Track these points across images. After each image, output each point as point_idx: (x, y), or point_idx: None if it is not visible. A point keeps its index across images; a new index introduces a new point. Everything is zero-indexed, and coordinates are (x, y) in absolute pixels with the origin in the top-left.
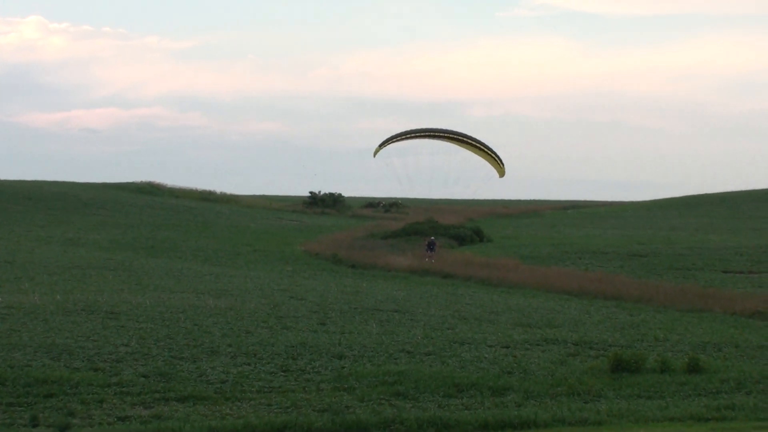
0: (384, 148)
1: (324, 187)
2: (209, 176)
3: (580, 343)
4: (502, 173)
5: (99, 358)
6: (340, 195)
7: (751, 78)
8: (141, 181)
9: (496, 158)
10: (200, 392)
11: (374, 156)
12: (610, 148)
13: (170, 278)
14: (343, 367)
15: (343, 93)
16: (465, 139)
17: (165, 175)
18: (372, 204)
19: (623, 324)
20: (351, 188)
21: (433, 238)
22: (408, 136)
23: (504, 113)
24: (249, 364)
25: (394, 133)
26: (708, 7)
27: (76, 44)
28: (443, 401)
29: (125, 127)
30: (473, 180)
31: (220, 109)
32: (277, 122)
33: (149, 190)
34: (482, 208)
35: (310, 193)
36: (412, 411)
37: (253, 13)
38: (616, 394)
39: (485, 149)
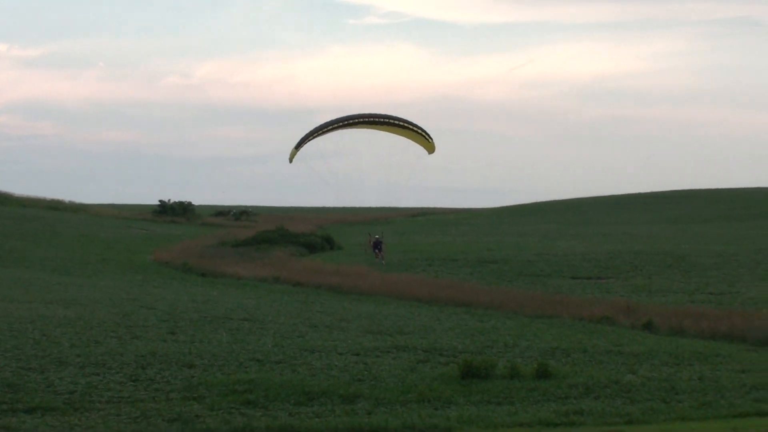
0: (300, 151)
1: (174, 196)
2: (59, 185)
3: (431, 349)
4: (431, 149)
5: None
6: (190, 203)
7: (600, 85)
8: None
9: (423, 134)
10: (49, 403)
11: (290, 161)
12: (460, 155)
13: (18, 288)
14: (193, 377)
15: (193, 100)
16: (385, 120)
17: (14, 184)
18: (222, 212)
19: (473, 330)
20: (202, 196)
21: (378, 236)
22: (323, 131)
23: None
24: (98, 374)
25: (305, 134)
26: (558, 16)
27: None
28: (294, 409)
29: None
30: (404, 166)
31: (69, 118)
32: (127, 130)
33: None
34: (333, 216)
35: (160, 201)
36: (263, 419)
37: (104, 20)
38: (466, 400)
39: (410, 126)
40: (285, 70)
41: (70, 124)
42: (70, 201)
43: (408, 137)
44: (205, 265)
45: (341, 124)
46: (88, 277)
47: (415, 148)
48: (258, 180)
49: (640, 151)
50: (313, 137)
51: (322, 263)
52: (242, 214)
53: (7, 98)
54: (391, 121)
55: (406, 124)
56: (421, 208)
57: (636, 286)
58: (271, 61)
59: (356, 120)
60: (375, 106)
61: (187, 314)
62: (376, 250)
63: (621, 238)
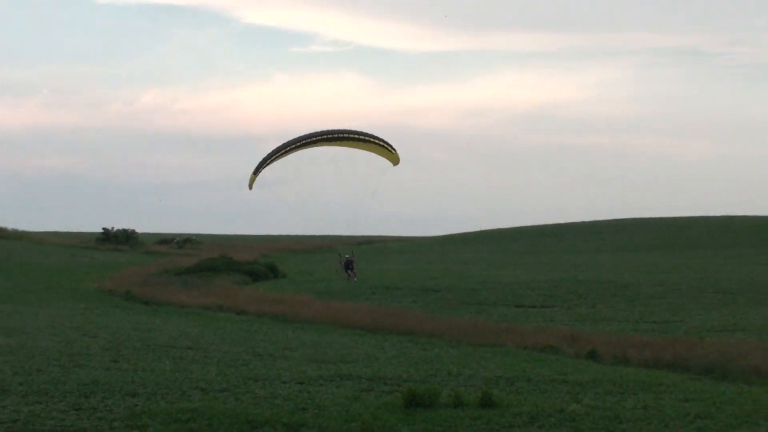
0: (260, 175)
1: (117, 223)
2: (0, 212)
3: (374, 378)
4: (396, 160)
5: None
6: (133, 231)
7: (542, 113)
8: None
9: (386, 146)
10: None
11: (250, 188)
12: (403, 182)
13: None
14: (136, 405)
15: (137, 127)
16: (345, 135)
17: None
18: (166, 240)
19: (417, 359)
20: (144, 224)
21: (348, 256)
22: (281, 153)
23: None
24: (41, 403)
25: (263, 156)
26: (499, 44)
27: None
28: None
29: None
30: (370, 180)
31: (12, 144)
32: (70, 157)
33: None
34: (276, 244)
35: (103, 229)
36: None
37: (47, 47)
38: (410, 429)
39: (371, 139)
40: (229, 98)
41: (12, 151)
42: (12, 228)
43: (371, 150)
44: (148, 293)
45: (300, 143)
46: (31, 304)
47: (379, 162)
48: (201, 207)
49: (582, 179)
50: (272, 160)
51: (266, 291)
52: (186, 242)
53: None
54: (352, 135)
55: (367, 138)
56: (365, 237)
57: (580, 315)
58: (214, 89)
59: (315, 138)
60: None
61: (131, 342)
62: (349, 271)
63: (565, 266)
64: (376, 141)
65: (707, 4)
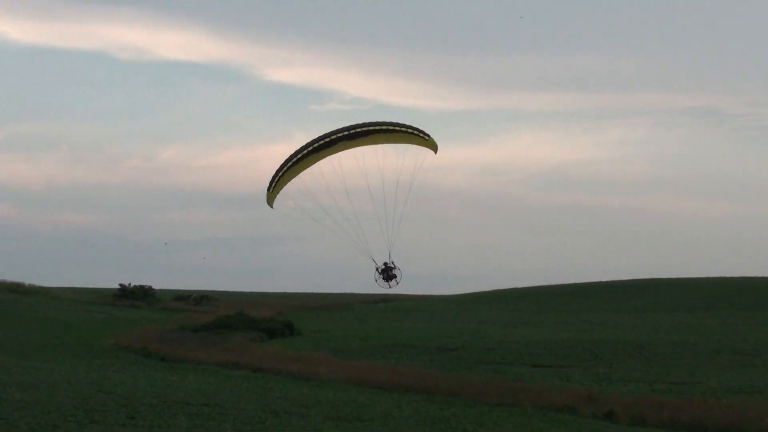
0: (281, 191)
1: (134, 280)
2: (18, 268)
3: None
4: (434, 147)
5: None
6: (150, 287)
7: (559, 173)
8: None
9: (418, 132)
10: None
11: (271, 205)
12: (420, 240)
13: None
14: None
15: (156, 184)
16: (367, 129)
17: None
18: (182, 297)
19: (433, 418)
20: (161, 281)
21: (386, 261)
22: (298, 157)
23: (314, 205)
24: None
25: (279, 169)
26: (517, 104)
27: None
28: None
29: None
30: (406, 175)
31: (30, 200)
32: (88, 213)
33: None
34: (293, 302)
35: (120, 285)
36: None
37: (67, 104)
38: None
39: (399, 128)
40: (248, 156)
41: (29, 206)
42: (29, 284)
43: (402, 142)
44: (165, 350)
45: (317, 147)
46: (47, 360)
47: (417, 150)
48: (219, 264)
49: (599, 239)
50: (285, 172)
51: (282, 349)
52: (202, 298)
53: None
54: (376, 128)
55: (394, 128)
56: (382, 295)
57: (597, 375)
58: (234, 146)
59: (335, 138)
60: (335, 191)
61: (147, 399)
62: (390, 281)
63: (581, 326)
64: (406, 130)
65: (726, 64)
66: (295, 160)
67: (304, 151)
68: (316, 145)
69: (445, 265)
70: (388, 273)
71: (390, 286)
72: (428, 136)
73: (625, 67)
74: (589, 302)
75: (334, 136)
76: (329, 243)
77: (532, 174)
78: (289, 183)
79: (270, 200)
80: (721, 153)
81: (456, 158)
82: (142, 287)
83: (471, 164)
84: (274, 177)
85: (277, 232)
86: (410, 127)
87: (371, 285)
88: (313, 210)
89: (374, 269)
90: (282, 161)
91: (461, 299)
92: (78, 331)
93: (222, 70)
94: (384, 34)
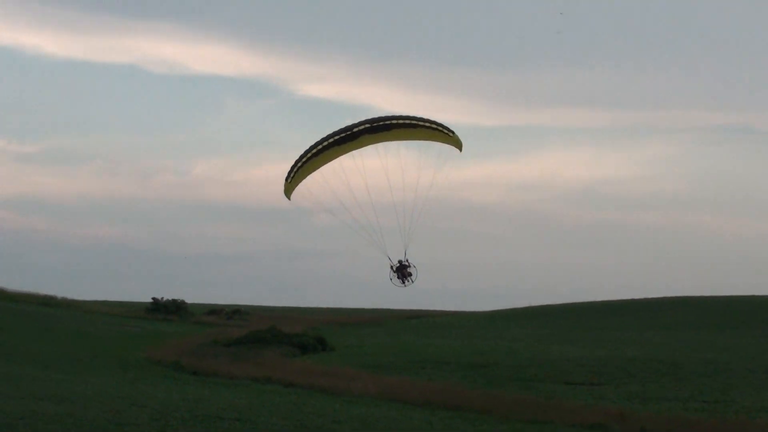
0: (299, 183)
1: (167, 293)
2: (51, 281)
3: None
4: (458, 144)
5: None
6: (183, 301)
7: (594, 189)
8: None
9: (442, 129)
10: None
11: (289, 197)
12: (454, 257)
13: (8, 384)
14: None
15: (188, 198)
16: (390, 123)
17: (6, 279)
18: (215, 311)
19: None
20: (194, 295)
21: (401, 259)
22: (318, 149)
23: (347, 221)
24: None
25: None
26: (552, 120)
27: None
28: None
29: None
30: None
31: (63, 213)
32: (121, 227)
33: None
34: (325, 317)
35: (153, 299)
36: None
37: (101, 118)
38: None
39: (423, 123)
40: (281, 170)
41: (63, 220)
42: (62, 297)
43: (425, 139)
44: (197, 364)
45: (338, 139)
46: (80, 373)
47: (441, 148)
48: (251, 278)
49: (631, 256)
50: (305, 163)
51: (315, 364)
52: (235, 313)
53: (3, 193)
54: (399, 122)
55: (418, 122)
56: (414, 311)
57: (629, 393)
58: (267, 161)
59: (357, 131)
60: (367, 207)
61: (179, 413)
62: (406, 279)
63: (614, 343)
64: (430, 125)
65: (762, 81)
66: (314, 151)
67: (325, 143)
68: (337, 137)
69: (478, 282)
70: (402, 271)
71: (405, 285)
72: (452, 132)
73: (659, 84)
74: (622, 319)
75: (355, 129)
76: (361, 258)
77: (566, 190)
78: (308, 176)
79: (288, 191)
80: (756, 171)
81: (489, 174)
82: (174, 301)
83: (504, 180)
84: (292, 168)
85: (309, 246)
86: (434, 122)
87: (403, 300)
88: (330, 204)
89: (389, 267)
90: (302, 152)
91: (493, 315)
92: (110, 344)
93: (255, 85)
94: (418, 50)
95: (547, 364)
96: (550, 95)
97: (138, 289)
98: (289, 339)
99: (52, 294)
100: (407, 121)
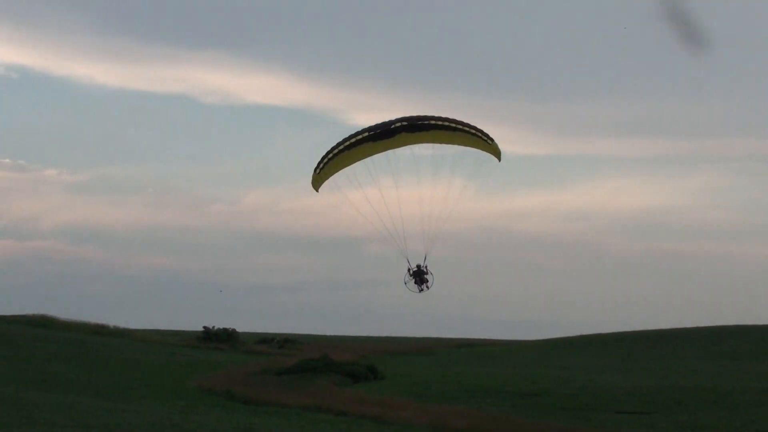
0: (329, 177)
1: (218, 322)
2: (103, 309)
3: None
4: (497, 153)
5: None
6: (234, 330)
7: (642, 219)
8: (33, 314)
9: (481, 135)
10: None
11: (317, 189)
12: (503, 286)
13: (60, 413)
14: None
15: (239, 228)
16: (429, 123)
17: (59, 307)
18: (265, 340)
19: None
20: (245, 324)
21: (419, 264)
22: (352, 142)
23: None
24: None
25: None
26: (600, 150)
27: None
28: None
29: (20, 260)
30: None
31: (115, 243)
32: (172, 256)
33: (41, 323)
34: (376, 345)
35: (204, 328)
36: None
37: (152, 148)
38: None
39: (463, 127)
40: (332, 199)
41: (115, 249)
42: (114, 326)
43: (465, 144)
44: (248, 393)
45: (374, 134)
46: (131, 402)
47: (478, 155)
48: (302, 307)
49: (683, 285)
50: (340, 155)
51: (366, 393)
52: (286, 342)
53: (56, 222)
54: (438, 123)
55: (457, 126)
56: (464, 339)
57: (680, 422)
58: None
59: (395, 127)
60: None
61: None
62: (422, 286)
63: (664, 372)
64: (470, 130)
65: None
66: (347, 144)
67: (359, 137)
68: (372, 132)
69: (529, 311)
70: (420, 277)
71: (420, 290)
72: (492, 140)
73: (710, 113)
74: (673, 348)
75: (392, 126)
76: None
77: (616, 220)
78: (339, 172)
79: (316, 183)
80: None
81: (540, 203)
82: (225, 330)
83: (555, 210)
84: (323, 159)
85: (359, 275)
86: (474, 127)
87: (453, 329)
88: (358, 200)
89: (406, 270)
90: (336, 143)
91: (544, 344)
92: (162, 373)
93: (306, 115)
94: (469, 81)
95: (598, 393)
96: (601, 125)
97: (189, 318)
98: (340, 368)
99: (103, 323)
100: (447, 123)
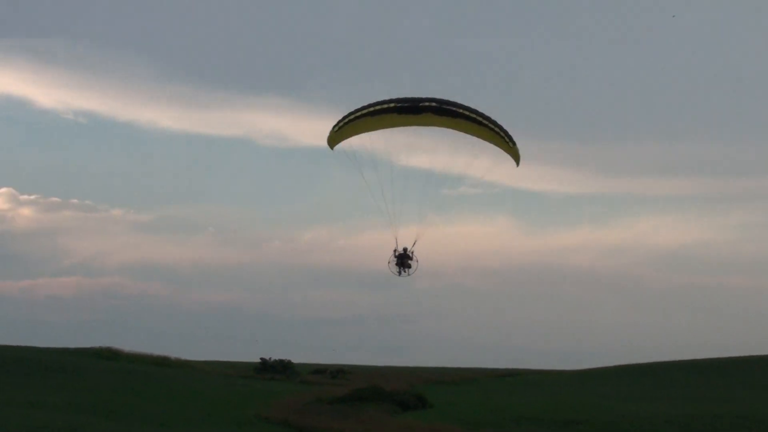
0: (347, 137)
1: (274, 354)
2: (165, 342)
3: None
4: (516, 157)
5: None
6: (289, 361)
7: (680, 254)
8: (100, 347)
9: (503, 135)
10: None
11: (332, 147)
12: (546, 317)
13: None
14: None
15: (295, 264)
16: (455, 110)
17: (124, 340)
18: (319, 370)
19: None
20: (300, 355)
21: (406, 247)
22: (377, 108)
23: (448, 284)
24: None
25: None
26: (640, 189)
27: (45, 215)
28: None
29: (88, 295)
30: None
31: (178, 279)
32: (231, 292)
33: (108, 355)
34: (424, 375)
35: (261, 359)
36: None
37: (213, 189)
38: None
39: (489, 124)
40: (384, 237)
41: (177, 285)
42: (175, 357)
43: (485, 139)
44: (303, 421)
45: (402, 107)
46: (193, 431)
47: (498, 153)
48: (354, 339)
49: (719, 317)
50: (362, 118)
51: (415, 421)
52: (338, 372)
53: (122, 259)
54: (464, 113)
55: (482, 120)
56: (509, 369)
57: None
58: (370, 228)
59: (420, 104)
60: (467, 271)
61: None
62: (403, 269)
63: (701, 401)
64: (494, 128)
65: None
66: (372, 110)
67: (386, 105)
68: (400, 105)
69: (568, 341)
70: (403, 260)
71: (400, 274)
72: (514, 143)
73: (744, 153)
74: (709, 377)
75: (421, 104)
76: (457, 318)
77: (654, 255)
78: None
79: (332, 141)
80: None
81: (581, 240)
82: (281, 361)
83: (595, 245)
84: (344, 118)
85: (407, 309)
86: (500, 126)
87: (496, 359)
88: (365, 163)
89: (392, 250)
90: (361, 106)
91: (583, 374)
92: (221, 402)
93: (360, 155)
94: (515, 121)
95: (637, 421)
96: (640, 165)
97: (247, 350)
98: (390, 396)
99: (166, 354)
100: (475, 116)
